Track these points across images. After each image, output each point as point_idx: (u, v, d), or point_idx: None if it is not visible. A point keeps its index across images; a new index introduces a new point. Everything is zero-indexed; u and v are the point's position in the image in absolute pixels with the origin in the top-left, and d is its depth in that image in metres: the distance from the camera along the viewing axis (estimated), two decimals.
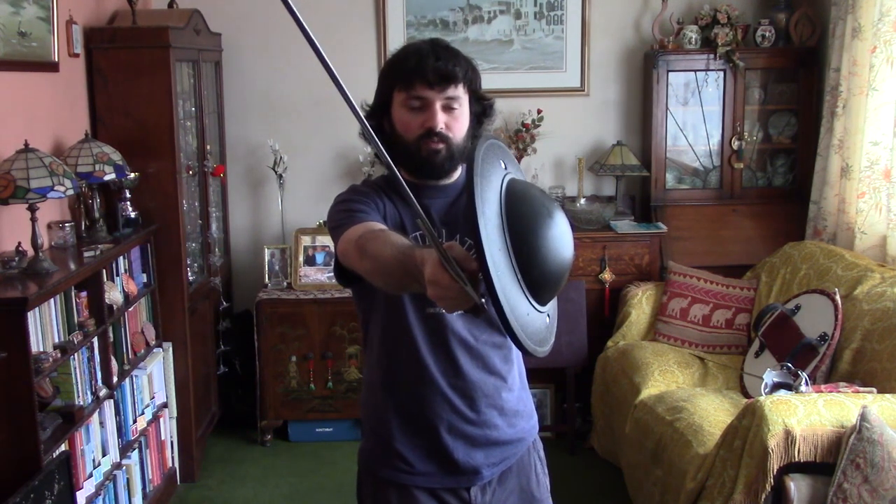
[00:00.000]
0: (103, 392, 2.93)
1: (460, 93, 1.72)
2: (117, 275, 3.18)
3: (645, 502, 3.21)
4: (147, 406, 3.41)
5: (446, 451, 1.77)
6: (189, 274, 3.72)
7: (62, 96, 3.26)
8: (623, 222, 4.30)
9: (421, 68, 1.68)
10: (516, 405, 1.84)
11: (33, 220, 2.68)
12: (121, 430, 3.12)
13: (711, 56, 4.25)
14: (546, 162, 4.53)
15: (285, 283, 4.22)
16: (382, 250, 1.47)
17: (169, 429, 3.65)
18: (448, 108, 1.71)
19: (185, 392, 3.71)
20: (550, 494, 1.95)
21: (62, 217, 3.19)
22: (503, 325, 1.25)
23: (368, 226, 1.61)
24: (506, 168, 1.45)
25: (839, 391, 2.75)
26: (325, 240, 4.21)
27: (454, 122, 1.72)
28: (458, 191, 1.80)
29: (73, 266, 2.80)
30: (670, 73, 4.30)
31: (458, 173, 1.82)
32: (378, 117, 1.77)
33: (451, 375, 1.76)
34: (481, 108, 1.79)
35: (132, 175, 3.37)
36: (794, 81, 4.35)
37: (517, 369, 1.86)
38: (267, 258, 4.30)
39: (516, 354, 1.86)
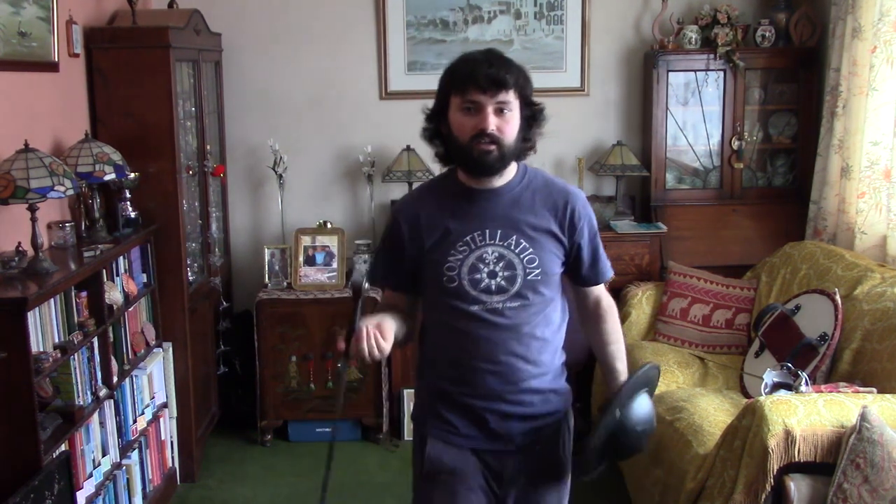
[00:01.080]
0: (103, 392, 2.93)
1: (511, 98, 1.88)
2: (117, 275, 3.18)
3: (645, 502, 3.20)
4: (147, 406, 3.41)
5: (484, 422, 2.01)
6: (189, 274, 3.72)
7: (62, 96, 3.26)
8: (623, 222, 4.30)
9: (474, 75, 1.85)
10: (551, 384, 2.05)
11: (33, 220, 2.67)
12: (121, 430, 3.12)
13: (711, 56, 4.25)
14: (546, 162, 4.52)
15: (285, 283, 4.22)
16: None
17: (169, 429, 3.65)
18: (499, 112, 1.88)
19: (185, 392, 3.71)
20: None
21: (62, 217, 3.19)
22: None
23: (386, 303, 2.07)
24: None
25: (839, 391, 2.75)
26: (325, 240, 4.22)
27: (505, 124, 1.88)
28: (518, 193, 1.97)
29: (73, 266, 2.80)
30: (670, 73, 4.31)
31: (514, 174, 1.98)
32: (437, 121, 1.96)
33: (492, 362, 1.96)
34: (531, 112, 1.94)
35: (132, 175, 3.37)
36: (794, 81, 4.35)
37: (556, 356, 2.06)
38: (267, 258, 4.30)
39: (555, 346, 2.04)
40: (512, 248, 1.93)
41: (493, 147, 1.87)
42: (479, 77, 1.83)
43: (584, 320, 2.16)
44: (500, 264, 1.93)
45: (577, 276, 2.06)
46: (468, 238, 1.94)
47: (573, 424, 2.14)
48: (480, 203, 1.96)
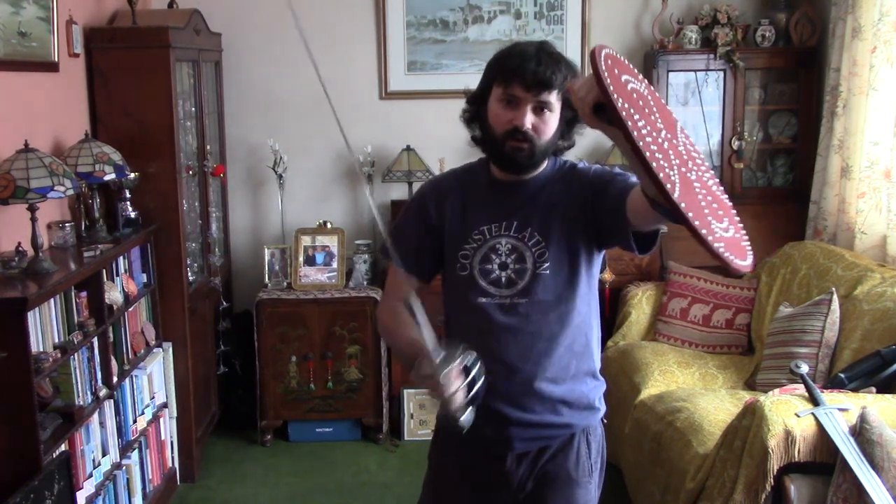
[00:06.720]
0: (103, 392, 2.93)
1: (553, 99, 1.81)
2: (117, 275, 3.18)
3: (645, 502, 3.20)
4: (147, 406, 3.41)
5: (482, 422, 1.86)
6: (189, 274, 3.72)
7: (62, 96, 3.26)
8: None
9: (521, 70, 1.78)
10: (563, 395, 1.94)
11: (33, 220, 2.67)
12: (121, 430, 3.12)
13: (711, 56, 4.25)
14: None
15: (285, 283, 4.22)
16: (397, 332, 1.89)
17: (169, 429, 3.65)
18: (539, 111, 1.81)
19: (185, 392, 3.71)
20: (592, 479, 2.09)
21: (62, 217, 3.19)
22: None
23: (396, 292, 1.95)
24: None
25: (839, 391, 2.74)
26: (325, 240, 4.22)
27: (542, 124, 1.82)
28: (543, 185, 1.91)
29: (73, 266, 2.80)
30: (670, 73, 4.30)
31: (544, 166, 1.92)
32: (477, 104, 1.90)
33: (492, 360, 1.83)
34: (573, 114, 1.84)
35: (132, 175, 3.37)
36: (794, 81, 4.35)
37: (572, 363, 1.94)
38: (267, 258, 4.30)
39: (574, 352, 1.94)
40: (525, 240, 1.88)
41: (525, 145, 1.82)
42: (526, 73, 1.77)
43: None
44: (512, 256, 1.88)
45: (619, 205, 1.82)
46: (484, 228, 1.90)
47: (600, 443, 2.10)
48: (505, 195, 1.91)
